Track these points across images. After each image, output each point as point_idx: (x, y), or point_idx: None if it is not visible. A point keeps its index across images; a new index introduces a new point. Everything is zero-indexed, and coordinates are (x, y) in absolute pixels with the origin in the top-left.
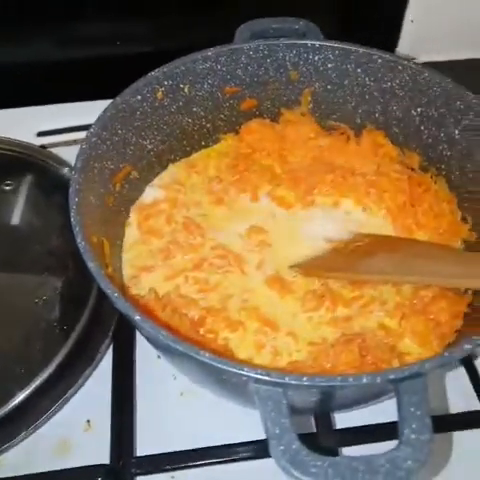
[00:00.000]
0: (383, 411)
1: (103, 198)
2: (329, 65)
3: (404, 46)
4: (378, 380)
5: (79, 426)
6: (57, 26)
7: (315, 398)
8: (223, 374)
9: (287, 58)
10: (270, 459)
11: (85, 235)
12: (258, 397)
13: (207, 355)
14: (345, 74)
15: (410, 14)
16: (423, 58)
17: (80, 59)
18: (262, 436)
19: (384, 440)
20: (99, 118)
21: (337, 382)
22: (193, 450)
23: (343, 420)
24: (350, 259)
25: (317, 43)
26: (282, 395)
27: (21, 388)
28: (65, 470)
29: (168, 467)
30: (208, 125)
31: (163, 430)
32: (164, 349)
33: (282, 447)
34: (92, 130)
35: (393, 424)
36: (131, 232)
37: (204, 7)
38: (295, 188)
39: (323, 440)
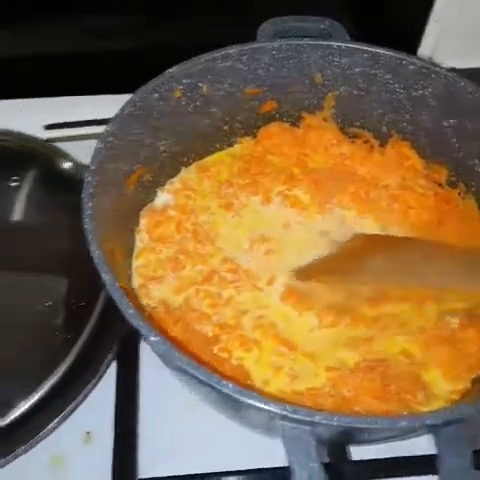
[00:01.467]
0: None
1: (116, 202)
2: (356, 69)
3: (426, 48)
4: (416, 424)
5: (79, 438)
6: (68, 18)
7: (341, 435)
8: (247, 407)
9: (312, 59)
10: None
11: (99, 243)
12: (284, 435)
13: (231, 386)
14: (373, 79)
15: (435, 14)
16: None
17: (93, 52)
18: (278, 463)
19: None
20: (116, 116)
21: (370, 424)
22: (201, 475)
23: (359, 451)
24: (348, 261)
25: (344, 45)
26: (310, 434)
27: (20, 401)
28: None
29: None
30: (225, 127)
31: (166, 449)
32: (179, 371)
33: None
34: (108, 129)
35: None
36: (141, 238)
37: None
38: (314, 191)
39: (337, 470)
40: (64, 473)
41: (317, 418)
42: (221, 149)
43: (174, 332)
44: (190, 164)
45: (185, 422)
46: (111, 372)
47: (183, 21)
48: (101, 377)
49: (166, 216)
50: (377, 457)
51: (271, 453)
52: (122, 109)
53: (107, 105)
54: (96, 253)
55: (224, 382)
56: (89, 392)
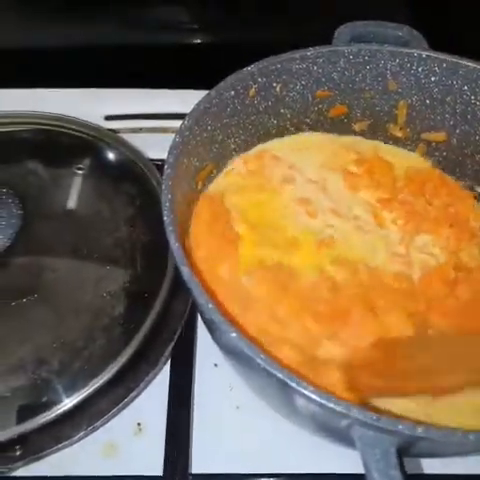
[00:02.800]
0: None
1: (186, 197)
2: (433, 78)
3: None
4: None
5: (130, 429)
6: (134, 10)
7: (419, 446)
8: (323, 411)
9: (388, 66)
10: None
11: (178, 235)
12: (362, 441)
13: (311, 388)
14: (449, 90)
15: None
16: None
17: (160, 45)
18: (327, 469)
19: None
20: (192, 111)
21: (456, 437)
22: (253, 475)
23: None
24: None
25: (424, 53)
26: (391, 443)
27: (82, 386)
28: (116, 477)
29: None
30: (292, 128)
31: (217, 446)
32: (254, 369)
33: None
34: (186, 123)
35: None
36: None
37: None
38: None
39: None
40: (115, 462)
41: (400, 427)
42: None
43: None
44: None
45: (237, 421)
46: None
47: (255, 20)
48: (161, 368)
49: None
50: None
51: (324, 457)
52: (198, 104)
53: (164, 100)
54: (176, 246)
55: (304, 384)
56: (149, 383)
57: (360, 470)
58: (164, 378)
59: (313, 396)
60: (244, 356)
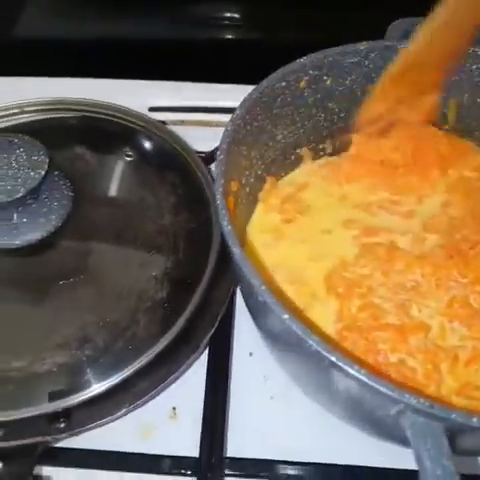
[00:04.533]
0: None
1: (233, 185)
2: None
3: None
4: None
5: (165, 413)
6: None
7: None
8: (373, 395)
9: None
10: None
11: (230, 219)
12: (413, 430)
13: (363, 371)
14: None
15: None
16: None
17: (206, 40)
18: (363, 462)
19: None
20: (244, 100)
21: None
22: (290, 462)
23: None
24: None
25: (479, 50)
26: (443, 432)
27: (125, 366)
28: (154, 456)
29: (262, 474)
30: (339, 123)
31: (251, 433)
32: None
33: None
34: (238, 112)
35: None
36: None
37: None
38: None
39: None
40: (149, 442)
41: (454, 416)
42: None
43: None
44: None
45: (271, 411)
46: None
47: (307, 16)
48: (201, 353)
49: None
50: None
51: (359, 450)
52: (250, 94)
53: (207, 94)
54: (228, 228)
55: (356, 366)
56: (189, 366)
57: (397, 465)
58: (201, 365)
59: (367, 380)
60: (294, 338)
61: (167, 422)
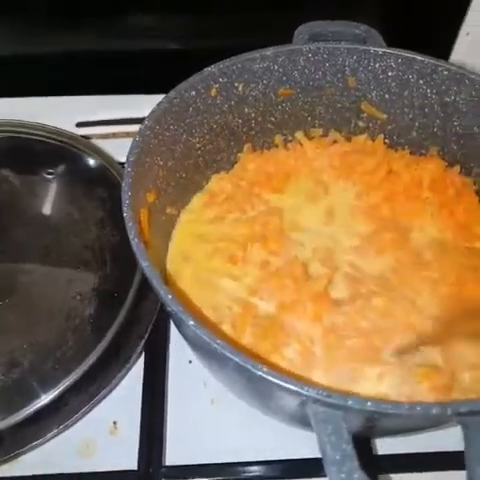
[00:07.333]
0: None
1: (148, 196)
2: (390, 73)
3: (455, 60)
4: (448, 412)
5: (105, 428)
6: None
7: (371, 422)
8: (278, 391)
9: (347, 63)
10: None
11: (137, 232)
12: (316, 418)
13: (265, 369)
14: (406, 84)
15: (466, 27)
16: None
17: (125, 51)
18: (298, 455)
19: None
20: (153, 111)
21: (403, 410)
22: (227, 464)
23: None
24: None
25: (380, 50)
26: (342, 418)
27: (53, 385)
28: (91, 473)
29: None
30: (257, 127)
31: (192, 439)
32: (212, 356)
33: (343, 475)
34: (146, 123)
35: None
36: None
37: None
38: None
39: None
40: (90, 460)
41: (350, 402)
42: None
43: None
44: (223, 163)
45: (211, 415)
46: (138, 364)
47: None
48: (131, 367)
49: None
50: (400, 452)
51: (295, 444)
52: (159, 104)
53: (137, 105)
54: (135, 241)
55: (259, 366)
56: (119, 381)
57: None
58: (138, 376)
59: (268, 377)
60: (203, 344)
61: (108, 437)
